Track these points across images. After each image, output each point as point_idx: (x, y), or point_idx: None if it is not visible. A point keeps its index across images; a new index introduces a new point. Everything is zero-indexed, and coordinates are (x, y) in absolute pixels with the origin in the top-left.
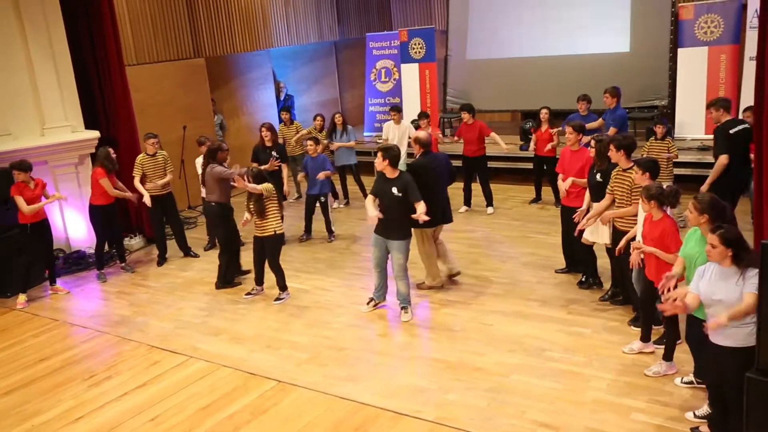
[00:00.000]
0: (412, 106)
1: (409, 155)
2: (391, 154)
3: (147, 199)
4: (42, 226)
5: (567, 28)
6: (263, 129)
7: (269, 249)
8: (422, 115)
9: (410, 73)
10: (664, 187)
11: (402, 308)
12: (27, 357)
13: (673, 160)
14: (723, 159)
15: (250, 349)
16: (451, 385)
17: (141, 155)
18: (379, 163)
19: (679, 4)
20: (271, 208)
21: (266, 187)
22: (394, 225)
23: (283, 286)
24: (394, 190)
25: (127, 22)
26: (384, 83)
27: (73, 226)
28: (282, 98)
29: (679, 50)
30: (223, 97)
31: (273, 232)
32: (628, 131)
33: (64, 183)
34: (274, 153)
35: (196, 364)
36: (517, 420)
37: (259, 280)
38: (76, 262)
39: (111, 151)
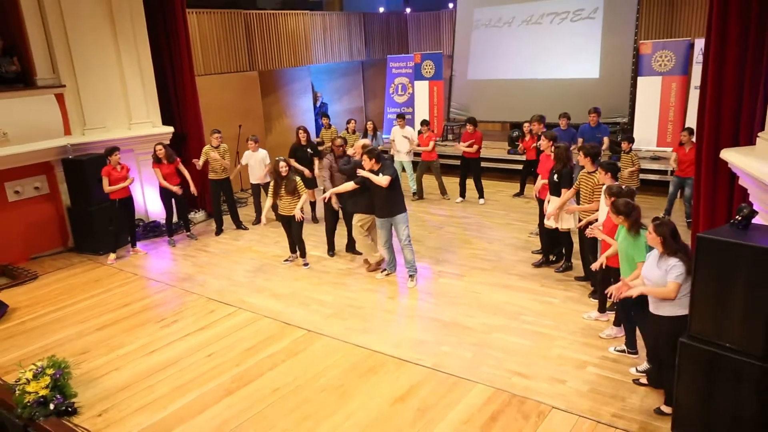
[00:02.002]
0: (422, 116)
1: (415, 154)
2: (374, 153)
3: (177, 189)
4: (127, 201)
5: (549, 56)
6: (300, 131)
7: (297, 225)
8: (424, 122)
9: (422, 89)
10: (623, 188)
11: (409, 276)
12: (114, 302)
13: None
14: None
15: (286, 305)
16: (445, 339)
17: (207, 146)
18: (368, 163)
19: (640, 41)
20: (300, 192)
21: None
22: (391, 203)
23: (304, 254)
24: (380, 175)
25: (197, 40)
26: (400, 96)
27: (151, 201)
28: (318, 105)
29: (639, 78)
30: (271, 102)
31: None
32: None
33: (145, 167)
34: (309, 150)
35: (243, 314)
36: (496, 369)
37: (293, 249)
38: (153, 230)
39: (157, 148)
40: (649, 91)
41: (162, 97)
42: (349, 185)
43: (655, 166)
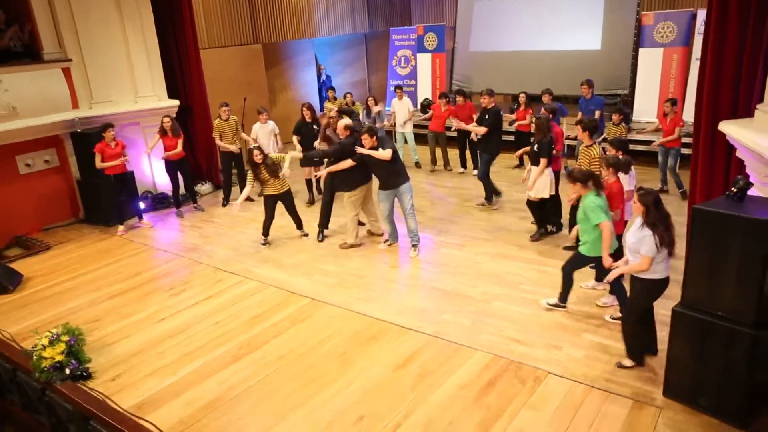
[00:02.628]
0: (425, 87)
1: (415, 126)
2: (373, 131)
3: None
4: (124, 177)
5: (551, 28)
6: (304, 108)
7: (290, 200)
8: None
9: (424, 61)
10: (620, 157)
11: (412, 245)
12: (124, 272)
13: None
14: None
15: (291, 274)
16: (446, 307)
17: (217, 120)
18: (368, 141)
19: (642, 12)
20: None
21: (278, 156)
22: (396, 175)
23: (301, 226)
24: (381, 150)
25: (201, 13)
26: (403, 68)
27: (158, 173)
28: (322, 79)
29: (641, 50)
30: (275, 75)
31: (288, 188)
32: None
33: (151, 139)
34: (315, 126)
35: (249, 283)
36: (495, 336)
37: (267, 232)
38: (161, 201)
39: (165, 120)
40: (651, 62)
41: (167, 71)
42: (346, 163)
43: (654, 137)
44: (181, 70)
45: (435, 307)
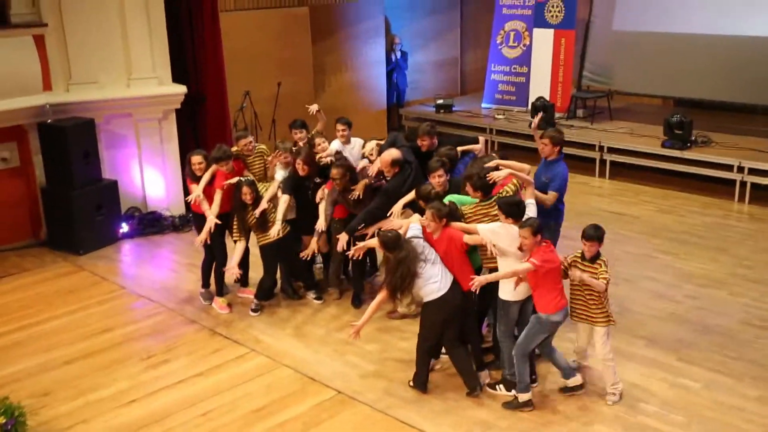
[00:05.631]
0: (540, 79)
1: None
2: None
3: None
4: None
5: (737, 1)
6: (299, 161)
7: (295, 248)
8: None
9: (543, 40)
10: None
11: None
12: (90, 326)
13: None
14: None
15: (315, 350)
16: (523, 425)
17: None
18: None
19: None
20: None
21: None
22: None
23: (312, 287)
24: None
25: None
26: (512, 48)
27: (151, 185)
28: (395, 57)
29: None
30: (325, 50)
31: (289, 230)
32: None
33: (146, 138)
34: (317, 180)
35: (256, 359)
36: None
37: (265, 294)
38: (152, 224)
39: (195, 160)
40: None
41: (174, 44)
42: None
43: None
44: (192, 44)
45: (506, 424)
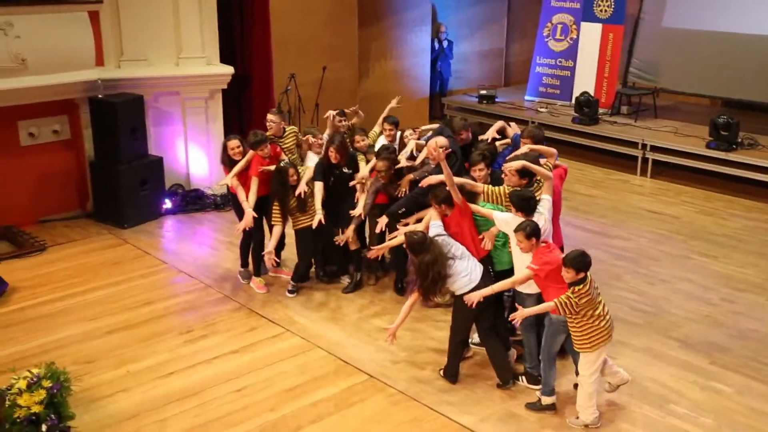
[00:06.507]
0: (586, 74)
1: None
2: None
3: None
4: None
5: None
6: (332, 149)
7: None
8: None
9: (591, 34)
10: None
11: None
12: (133, 298)
13: None
14: None
15: (348, 333)
16: (550, 420)
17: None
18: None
19: None
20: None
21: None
22: None
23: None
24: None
25: None
26: (558, 41)
27: (195, 163)
28: (439, 44)
29: None
30: (371, 37)
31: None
32: None
33: (192, 117)
34: (345, 170)
35: (291, 339)
36: None
37: (302, 276)
38: (194, 201)
39: (232, 145)
40: None
41: (223, 25)
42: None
43: None
44: (241, 26)
45: (535, 417)
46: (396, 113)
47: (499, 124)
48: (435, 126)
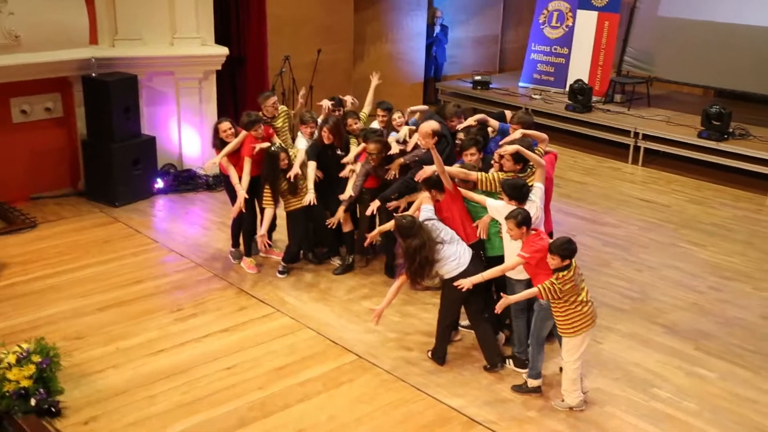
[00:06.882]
0: (580, 62)
1: None
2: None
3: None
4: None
5: None
6: (325, 128)
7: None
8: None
9: (586, 22)
10: None
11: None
12: (123, 276)
13: None
14: None
15: (339, 315)
16: (535, 402)
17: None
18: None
19: None
20: None
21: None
22: None
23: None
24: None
25: None
26: (554, 29)
27: (188, 143)
28: (435, 31)
29: None
30: (367, 20)
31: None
32: None
33: (186, 97)
34: (339, 152)
35: (281, 319)
36: None
37: (292, 256)
38: (186, 181)
39: (223, 128)
40: None
41: (218, 5)
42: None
43: None
44: (237, 8)
45: (521, 400)
46: (390, 98)
47: (480, 116)
48: (422, 107)
